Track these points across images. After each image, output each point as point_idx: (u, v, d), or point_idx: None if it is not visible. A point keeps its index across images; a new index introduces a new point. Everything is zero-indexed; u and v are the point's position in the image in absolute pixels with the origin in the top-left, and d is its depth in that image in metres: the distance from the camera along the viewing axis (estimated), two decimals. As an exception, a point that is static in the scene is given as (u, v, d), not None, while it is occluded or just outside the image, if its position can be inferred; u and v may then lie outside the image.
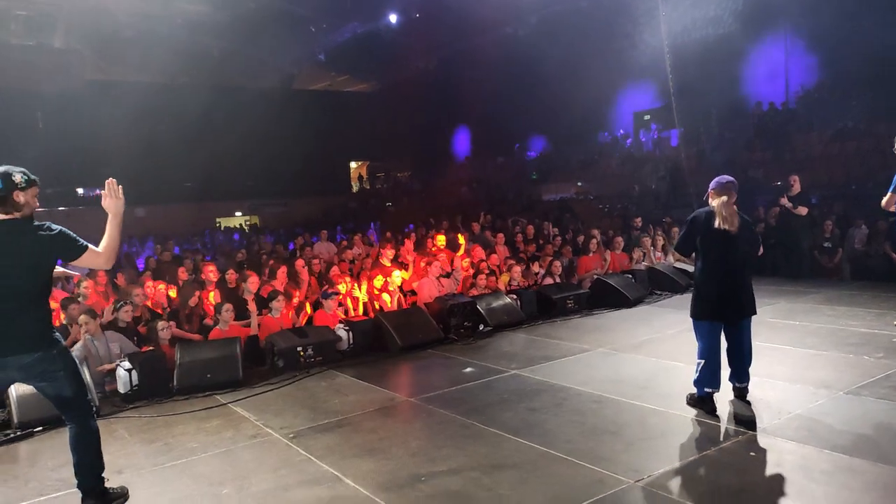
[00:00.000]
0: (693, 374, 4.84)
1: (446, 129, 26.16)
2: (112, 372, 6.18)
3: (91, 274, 7.86)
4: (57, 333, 3.69)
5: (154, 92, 19.95)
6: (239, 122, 20.39)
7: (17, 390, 5.19)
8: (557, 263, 10.13)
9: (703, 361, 4.76)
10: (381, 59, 23.47)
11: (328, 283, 8.69)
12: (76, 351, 6.13)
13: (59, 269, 3.90)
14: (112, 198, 3.68)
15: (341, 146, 27.99)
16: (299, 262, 9.10)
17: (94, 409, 3.80)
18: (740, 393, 4.92)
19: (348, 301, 8.47)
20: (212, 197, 23.99)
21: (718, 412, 4.71)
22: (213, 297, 7.97)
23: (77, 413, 3.72)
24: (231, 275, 8.33)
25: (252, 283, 7.82)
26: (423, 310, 8.13)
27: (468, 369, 6.47)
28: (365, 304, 8.70)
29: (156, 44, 17.01)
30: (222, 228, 22.31)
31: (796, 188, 10.23)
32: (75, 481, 3.78)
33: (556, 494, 3.69)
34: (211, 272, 8.33)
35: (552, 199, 19.71)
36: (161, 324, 6.89)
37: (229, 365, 6.34)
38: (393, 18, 19.96)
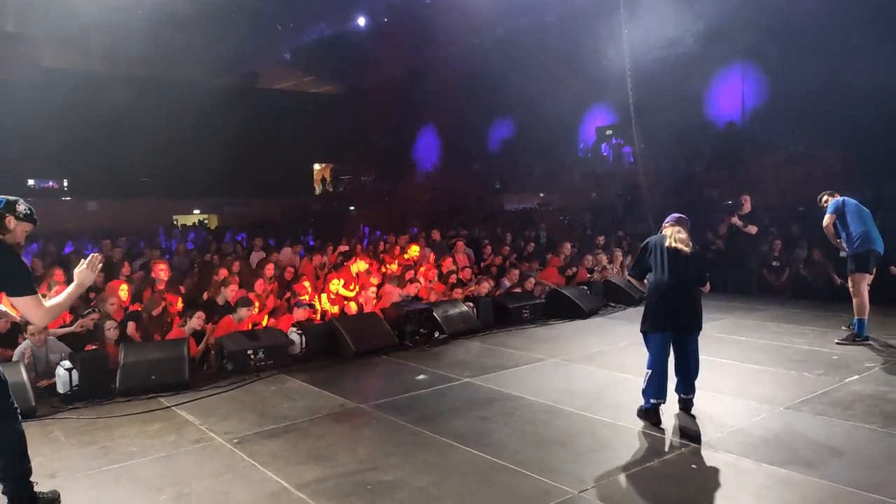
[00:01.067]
0: (642, 385, 4.94)
1: (412, 135, 26.08)
2: (47, 388, 5.90)
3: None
4: None
5: (110, 83, 19.34)
6: (200, 117, 19.85)
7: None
8: (516, 272, 10.19)
9: (650, 372, 4.88)
10: (349, 62, 23.29)
11: (291, 292, 8.52)
12: (16, 354, 5.89)
13: None
14: (88, 270, 3.66)
15: (305, 147, 27.58)
16: (269, 268, 8.92)
17: (18, 411, 3.64)
18: (685, 405, 5.04)
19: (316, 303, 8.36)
20: (169, 193, 23.34)
21: (664, 425, 4.80)
22: (180, 303, 7.72)
23: None
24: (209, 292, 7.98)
25: (231, 290, 7.61)
26: (379, 315, 8.07)
27: (421, 377, 6.45)
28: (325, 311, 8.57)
29: (114, 33, 16.50)
30: (179, 226, 21.73)
31: (747, 207, 10.52)
32: (1, 486, 3.64)
33: (502, 504, 3.69)
34: (161, 271, 8.10)
35: (514, 210, 19.85)
36: (109, 323, 6.64)
37: (175, 366, 6.19)
38: (362, 22, 19.83)
